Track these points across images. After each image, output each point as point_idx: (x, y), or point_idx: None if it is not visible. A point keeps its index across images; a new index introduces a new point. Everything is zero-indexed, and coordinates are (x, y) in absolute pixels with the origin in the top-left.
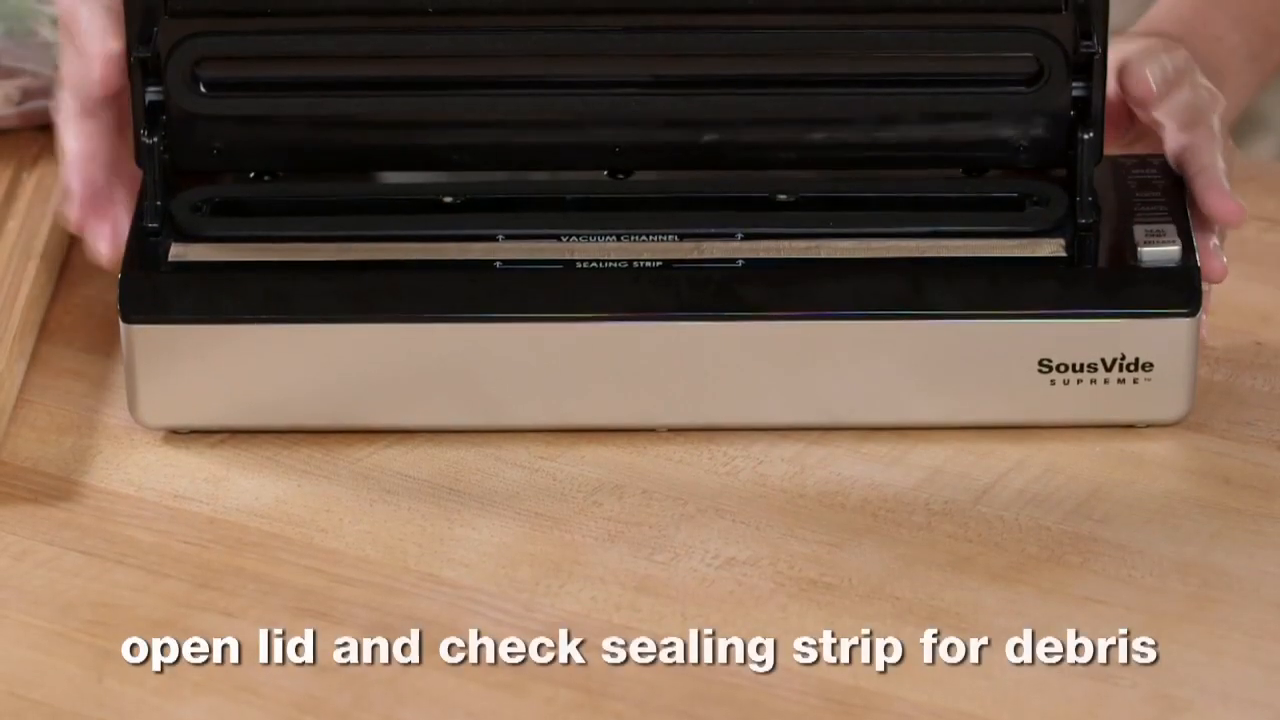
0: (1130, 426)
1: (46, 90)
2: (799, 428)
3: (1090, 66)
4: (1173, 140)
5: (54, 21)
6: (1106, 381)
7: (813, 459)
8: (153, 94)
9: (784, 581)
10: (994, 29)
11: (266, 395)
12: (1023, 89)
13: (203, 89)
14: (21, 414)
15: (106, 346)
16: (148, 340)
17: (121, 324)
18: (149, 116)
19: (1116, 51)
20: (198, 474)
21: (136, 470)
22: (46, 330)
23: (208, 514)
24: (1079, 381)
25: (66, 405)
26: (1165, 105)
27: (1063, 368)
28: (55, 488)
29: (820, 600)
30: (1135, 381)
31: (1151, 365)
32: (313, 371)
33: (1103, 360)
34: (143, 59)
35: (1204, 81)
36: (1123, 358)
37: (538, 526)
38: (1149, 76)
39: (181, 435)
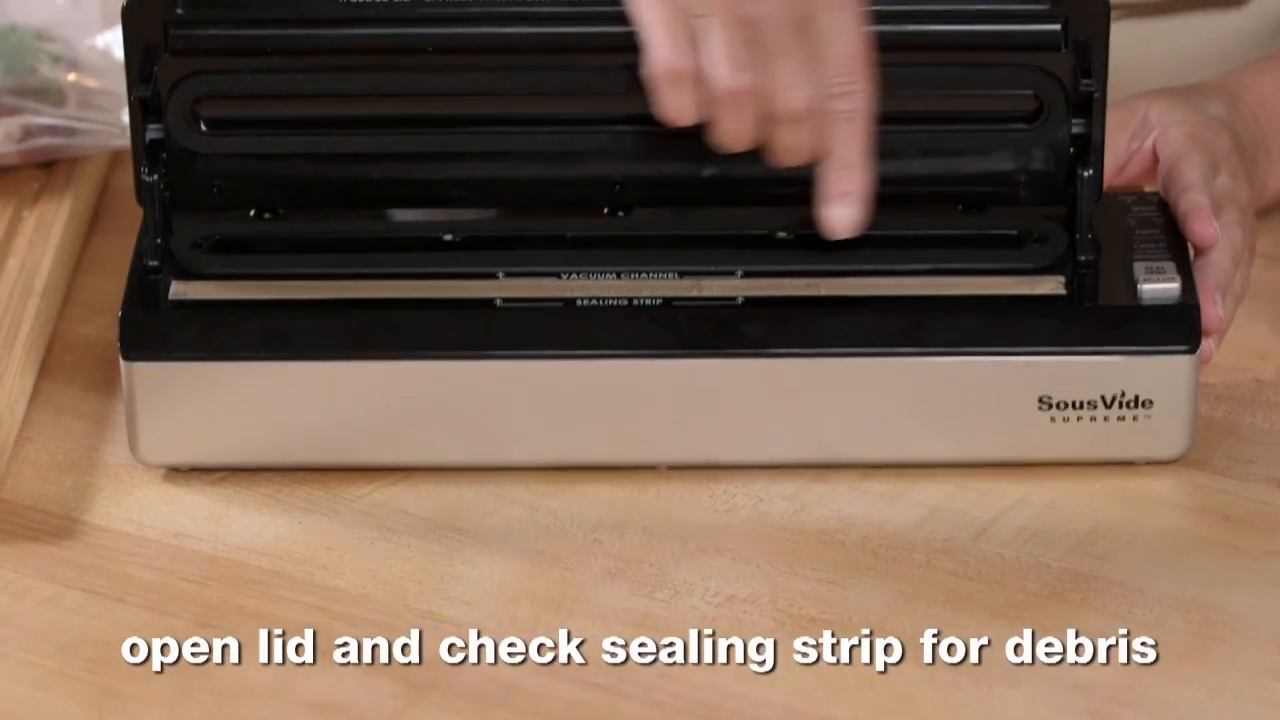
0: (1130, 464)
1: (48, 128)
2: (799, 465)
3: (1090, 104)
4: (1161, 165)
5: (54, 59)
6: (1106, 419)
7: (813, 496)
8: (153, 132)
9: (784, 619)
10: (994, 66)
11: (267, 433)
12: (1023, 126)
13: (203, 127)
14: (22, 452)
15: (107, 384)
16: (148, 378)
17: (122, 362)
18: (149, 154)
19: (1167, 125)
20: (198, 512)
21: (137, 508)
22: (47, 368)
23: (208, 552)
24: (1079, 419)
25: (67, 443)
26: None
27: (1062, 405)
28: (56, 526)
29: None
30: (1135, 419)
31: (1151, 402)
32: (313, 409)
33: (1102, 398)
34: (143, 97)
35: (1237, 168)
36: (1122, 395)
37: (538, 564)
38: (1208, 212)
39: (182, 473)
